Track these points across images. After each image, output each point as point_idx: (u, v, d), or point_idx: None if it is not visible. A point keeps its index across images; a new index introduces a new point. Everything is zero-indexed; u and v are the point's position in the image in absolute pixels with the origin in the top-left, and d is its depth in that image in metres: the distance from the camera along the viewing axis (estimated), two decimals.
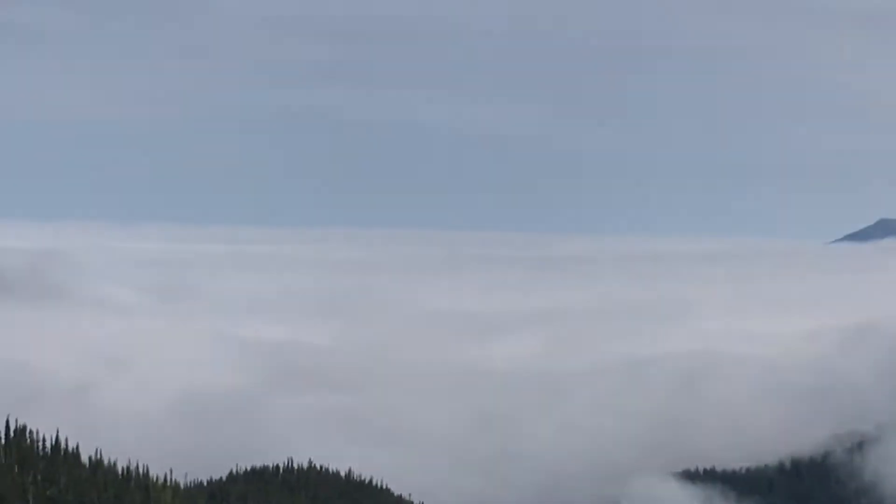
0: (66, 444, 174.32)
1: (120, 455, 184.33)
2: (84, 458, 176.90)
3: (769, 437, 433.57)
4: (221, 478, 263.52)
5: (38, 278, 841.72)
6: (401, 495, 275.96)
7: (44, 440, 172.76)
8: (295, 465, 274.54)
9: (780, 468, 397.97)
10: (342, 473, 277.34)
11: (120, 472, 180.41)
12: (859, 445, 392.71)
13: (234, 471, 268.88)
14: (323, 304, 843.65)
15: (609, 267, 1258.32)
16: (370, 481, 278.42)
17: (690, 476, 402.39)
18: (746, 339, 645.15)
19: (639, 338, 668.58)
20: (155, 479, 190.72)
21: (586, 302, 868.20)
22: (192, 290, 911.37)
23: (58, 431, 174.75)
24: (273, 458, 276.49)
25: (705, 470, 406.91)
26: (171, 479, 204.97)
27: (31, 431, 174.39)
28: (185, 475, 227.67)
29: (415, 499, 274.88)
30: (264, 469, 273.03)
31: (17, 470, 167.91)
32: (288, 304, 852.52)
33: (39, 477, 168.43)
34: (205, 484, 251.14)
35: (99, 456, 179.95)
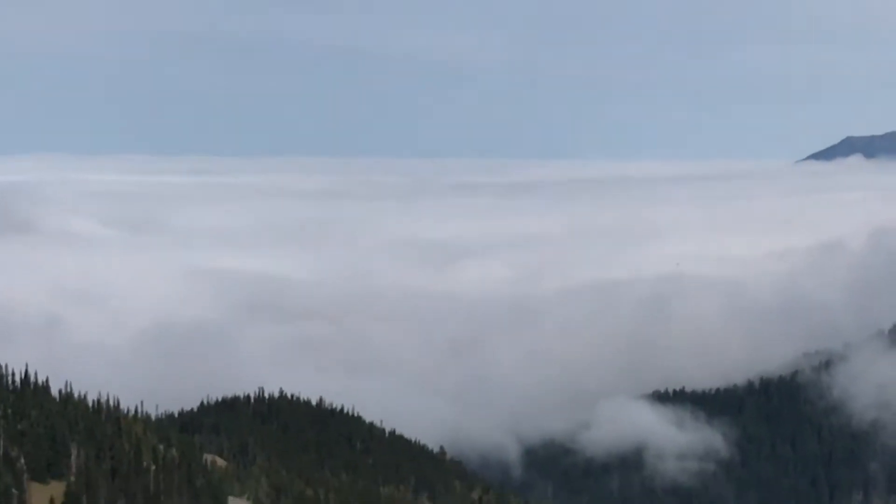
0: (36, 378, 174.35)
1: (90, 388, 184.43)
2: (54, 392, 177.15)
3: (738, 357, 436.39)
4: (193, 409, 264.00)
5: (4, 212, 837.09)
6: (372, 423, 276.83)
7: (13, 374, 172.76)
8: (266, 395, 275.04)
9: (750, 388, 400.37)
10: (313, 402, 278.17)
11: (90, 404, 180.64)
12: (827, 364, 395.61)
13: (206, 402, 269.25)
14: (291, 235, 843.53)
15: (578, 192, 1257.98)
16: (341, 409, 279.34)
17: (661, 397, 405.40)
18: (715, 260, 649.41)
19: (608, 262, 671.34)
20: (126, 411, 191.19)
21: (555, 227, 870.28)
22: (160, 223, 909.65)
23: (27, 366, 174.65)
24: (244, 388, 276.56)
25: (675, 391, 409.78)
26: (141, 411, 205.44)
27: (0, 366, 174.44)
28: (156, 407, 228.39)
29: (386, 426, 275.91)
30: (235, 399, 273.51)
31: None
32: (256, 235, 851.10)
33: (10, 411, 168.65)
34: (176, 415, 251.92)
35: (69, 389, 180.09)
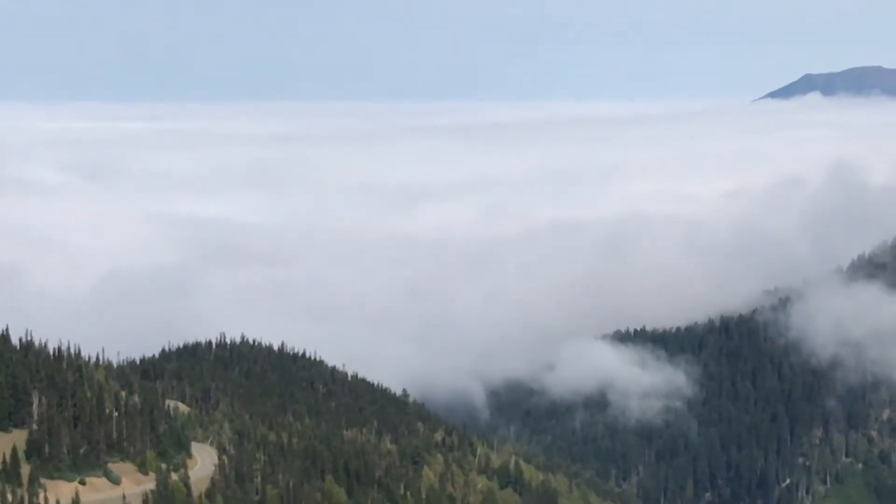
0: None
1: (51, 336, 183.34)
2: (14, 341, 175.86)
3: (698, 295, 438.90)
4: (154, 355, 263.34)
5: None
6: (334, 367, 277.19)
7: None
8: (227, 341, 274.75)
9: (710, 326, 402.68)
10: (275, 347, 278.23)
11: (51, 352, 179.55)
12: (786, 301, 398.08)
13: (167, 348, 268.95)
14: (249, 179, 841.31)
15: (536, 133, 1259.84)
16: (303, 354, 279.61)
17: (622, 337, 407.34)
18: (674, 199, 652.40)
19: (567, 203, 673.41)
20: (87, 358, 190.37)
21: (514, 169, 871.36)
22: (117, 169, 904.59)
23: None
24: (205, 334, 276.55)
25: (636, 331, 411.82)
26: (103, 359, 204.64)
27: None
28: (118, 354, 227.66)
29: (349, 370, 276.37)
30: (197, 345, 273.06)
31: None
32: (214, 180, 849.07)
33: None
34: (137, 362, 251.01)
35: (29, 337, 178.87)
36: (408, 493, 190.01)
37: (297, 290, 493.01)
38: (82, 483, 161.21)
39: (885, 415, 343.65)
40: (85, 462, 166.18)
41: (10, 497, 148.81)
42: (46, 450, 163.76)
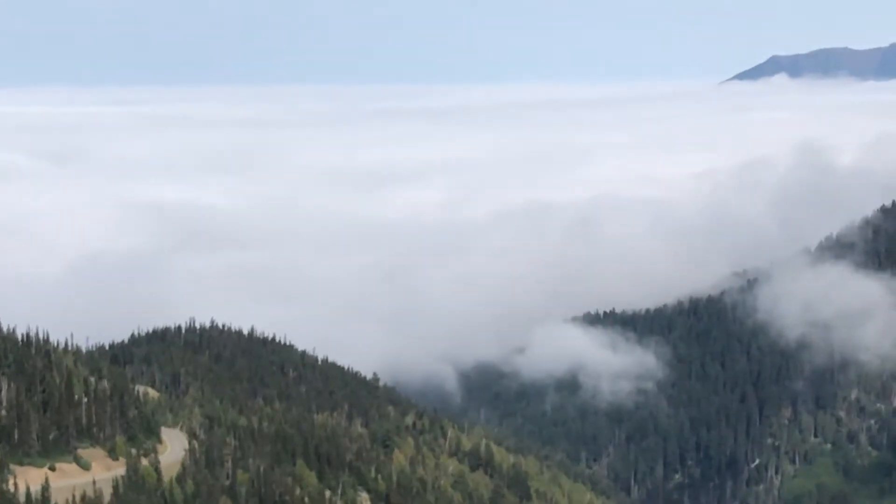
0: None
1: (19, 322, 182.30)
2: None
3: (667, 277, 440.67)
4: (123, 341, 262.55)
5: None
6: (304, 351, 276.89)
7: None
8: (197, 326, 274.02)
9: (679, 308, 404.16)
10: (245, 332, 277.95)
11: (20, 338, 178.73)
12: (754, 283, 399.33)
13: (136, 333, 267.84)
14: (218, 164, 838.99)
15: (504, 116, 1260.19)
16: (273, 338, 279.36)
17: (592, 320, 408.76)
18: (643, 182, 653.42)
19: (536, 185, 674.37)
20: (56, 343, 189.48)
21: (483, 151, 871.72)
22: (86, 154, 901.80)
23: None
24: (175, 319, 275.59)
25: (606, 313, 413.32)
26: (72, 344, 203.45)
27: None
28: (87, 339, 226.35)
29: (319, 354, 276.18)
30: (166, 330, 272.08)
31: None
32: (186, 164, 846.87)
33: None
34: (107, 347, 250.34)
35: None
36: (378, 476, 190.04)
37: (267, 275, 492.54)
38: (52, 469, 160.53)
39: (853, 395, 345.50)
40: (55, 448, 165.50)
41: None
42: (15, 435, 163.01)
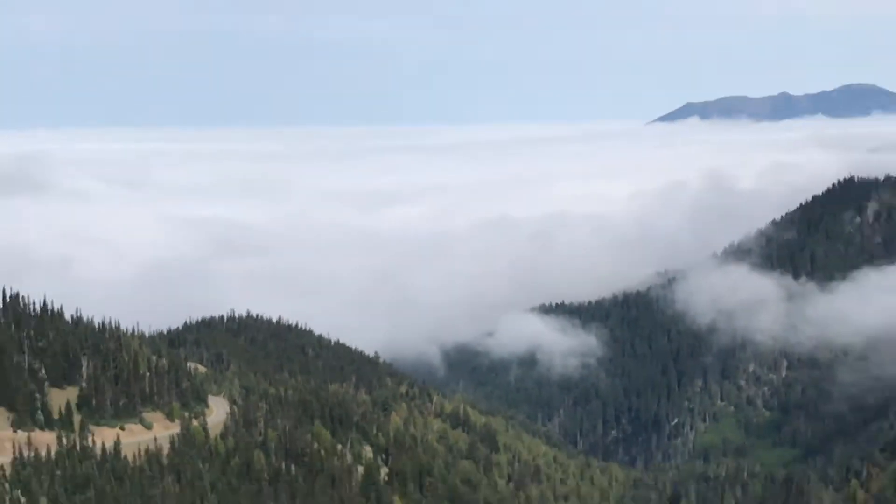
0: (52, 306, 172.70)
1: (96, 313, 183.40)
2: (67, 317, 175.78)
3: (605, 276, 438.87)
4: (178, 328, 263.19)
5: (23, 175, 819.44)
6: (321, 335, 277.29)
7: (34, 304, 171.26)
8: (236, 315, 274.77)
9: (615, 301, 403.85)
10: (273, 320, 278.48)
11: (96, 326, 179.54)
12: (674, 280, 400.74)
13: (188, 322, 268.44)
14: (249, 188, 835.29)
15: (481, 150, 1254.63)
16: (296, 325, 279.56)
17: (546, 310, 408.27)
18: (587, 202, 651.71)
19: (505, 204, 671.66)
20: (125, 330, 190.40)
21: (464, 178, 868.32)
22: (146, 181, 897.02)
23: (45, 296, 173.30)
24: (218, 311, 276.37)
25: (557, 304, 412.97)
26: (137, 331, 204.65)
27: (23, 297, 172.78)
28: (149, 326, 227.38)
29: (332, 337, 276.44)
30: (212, 319, 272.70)
31: (13, 327, 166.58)
32: (223, 189, 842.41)
33: (32, 332, 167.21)
34: (165, 333, 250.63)
35: (79, 314, 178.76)
36: (379, 433, 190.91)
37: (288, 276, 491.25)
38: (122, 429, 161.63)
39: (751, 368, 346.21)
40: (124, 412, 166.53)
41: (65, 441, 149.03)
42: (93, 403, 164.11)
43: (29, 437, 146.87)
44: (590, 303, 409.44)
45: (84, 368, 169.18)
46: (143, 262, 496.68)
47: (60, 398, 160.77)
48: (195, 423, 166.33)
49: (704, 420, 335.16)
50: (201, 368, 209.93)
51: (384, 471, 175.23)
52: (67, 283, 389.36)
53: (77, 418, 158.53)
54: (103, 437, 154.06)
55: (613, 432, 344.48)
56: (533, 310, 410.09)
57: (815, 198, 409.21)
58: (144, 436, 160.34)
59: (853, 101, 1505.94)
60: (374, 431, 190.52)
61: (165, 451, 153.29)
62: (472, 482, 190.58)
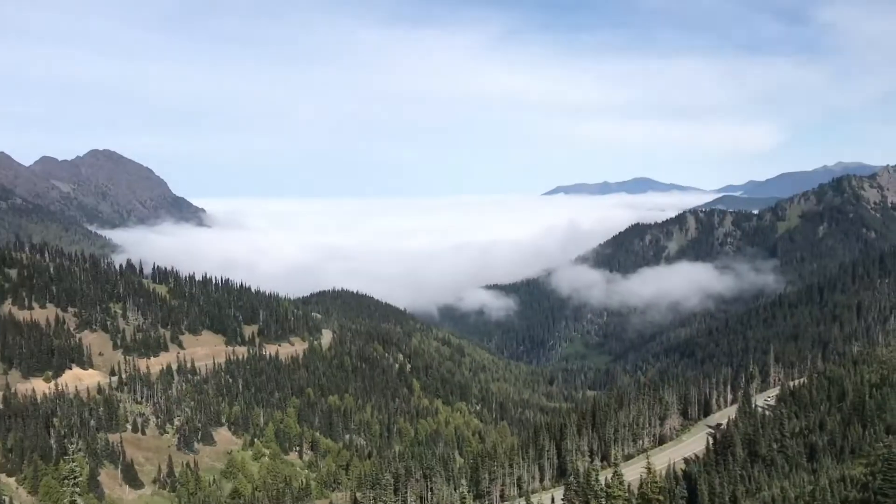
0: (244, 284, 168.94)
1: (268, 288, 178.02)
2: (252, 290, 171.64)
3: (518, 271, 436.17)
4: (308, 295, 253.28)
5: (231, 219, 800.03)
6: (378, 299, 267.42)
7: (237, 284, 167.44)
8: (338, 290, 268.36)
9: (523, 283, 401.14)
10: (353, 291, 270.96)
11: (268, 294, 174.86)
12: (551, 272, 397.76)
13: (313, 292, 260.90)
14: (343, 227, 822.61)
15: (446, 210, 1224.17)
16: (364, 294, 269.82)
17: (489, 287, 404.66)
18: (509, 234, 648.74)
19: (462, 236, 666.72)
20: (278, 295, 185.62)
21: (445, 223, 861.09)
22: (291, 222, 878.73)
23: (242, 280, 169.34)
24: (327, 287, 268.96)
25: (495, 284, 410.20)
26: (284, 295, 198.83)
27: (231, 281, 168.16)
28: (290, 295, 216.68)
29: (385, 300, 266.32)
30: (324, 292, 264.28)
31: (227, 295, 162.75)
32: (329, 228, 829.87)
33: (235, 297, 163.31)
34: (301, 298, 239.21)
35: (258, 288, 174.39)
36: (405, 347, 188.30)
37: (362, 271, 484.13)
38: (279, 346, 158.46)
39: (588, 316, 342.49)
40: (281, 337, 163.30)
41: (250, 351, 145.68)
42: (265, 332, 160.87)
43: (234, 350, 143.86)
44: (511, 283, 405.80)
45: (260, 315, 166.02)
46: (292, 263, 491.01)
47: (249, 330, 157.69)
48: (315, 343, 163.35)
49: (566, 342, 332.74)
50: (318, 316, 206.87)
51: (408, 366, 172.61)
52: (255, 272, 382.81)
53: (257, 340, 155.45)
54: (269, 350, 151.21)
55: (521, 348, 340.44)
56: (482, 287, 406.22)
57: (620, 232, 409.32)
58: (291, 349, 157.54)
59: (639, 186, 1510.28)
60: (403, 347, 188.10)
61: (301, 356, 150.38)
62: (452, 372, 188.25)
